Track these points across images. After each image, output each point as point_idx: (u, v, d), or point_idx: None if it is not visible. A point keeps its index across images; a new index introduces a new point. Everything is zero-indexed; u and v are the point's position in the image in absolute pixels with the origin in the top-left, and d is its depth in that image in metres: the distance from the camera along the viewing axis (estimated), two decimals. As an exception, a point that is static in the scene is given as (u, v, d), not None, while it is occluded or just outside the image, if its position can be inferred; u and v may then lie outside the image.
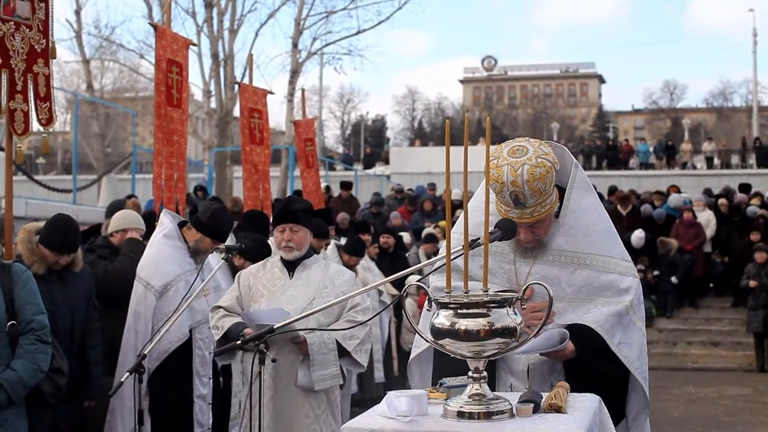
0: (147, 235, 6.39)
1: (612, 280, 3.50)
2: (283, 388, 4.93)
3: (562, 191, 3.53)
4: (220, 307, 5.14)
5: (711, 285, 17.34)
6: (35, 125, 5.63)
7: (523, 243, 3.51)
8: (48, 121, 5.63)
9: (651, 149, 38.21)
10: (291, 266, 5.14)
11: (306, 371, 4.90)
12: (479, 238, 3.16)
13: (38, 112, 5.56)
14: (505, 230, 3.33)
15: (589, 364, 3.37)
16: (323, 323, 4.93)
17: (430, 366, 3.64)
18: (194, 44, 8.93)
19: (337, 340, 4.98)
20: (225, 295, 5.30)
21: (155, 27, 7.86)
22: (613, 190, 18.31)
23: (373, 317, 4.48)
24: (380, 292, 9.60)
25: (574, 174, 3.56)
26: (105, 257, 6.36)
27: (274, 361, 4.19)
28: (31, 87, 5.53)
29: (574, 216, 3.52)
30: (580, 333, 3.38)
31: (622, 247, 3.62)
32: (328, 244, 9.22)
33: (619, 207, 16.82)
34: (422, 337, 2.87)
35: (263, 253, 6.18)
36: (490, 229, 3.18)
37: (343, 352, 5.01)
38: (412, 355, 3.71)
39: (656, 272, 16.15)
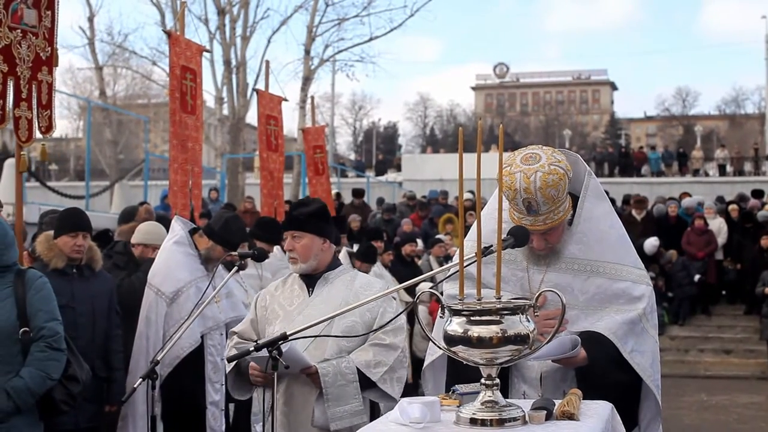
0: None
1: (625, 288, 3.50)
2: (297, 428, 4.13)
3: (575, 199, 3.54)
4: (235, 333, 4.43)
5: (723, 292, 17.25)
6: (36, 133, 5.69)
7: (536, 250, 3.52)
8: (47, 129, 5.67)
9: (661, 156, 38.05)
10: (311, 281, 4.28)
11: (323, 408, 4.05)
12: (492, 246, 3.16)
13: (39, 120, 5.60)
14: (518, 237, 3.33)
15: (601, 371, 3.38)
16: (345, 349, 4.15)
17: (444, 373, 3.64)
18: (207, 50, 8.92)
19: (359, 369, 4.09)
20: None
21: (169, 34, 7.90)
22: (627, 200, 18.29)
23: (379, 328, 4.01)
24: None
25: (587, 182, 3.57)
26: (120, 266, 6.37)
27: (286, 368, 3.85)
28: (35, 95, 5.57)
29: (587, 224, 3.53)
30: (592, 340, 3.38)
31: (635, 255, 3.62)
32: (339, 251, 9.23)
33: (633, 212, 16.78)
34: (435, 344, 2.87)
35: None
36: (503, 236, 3.19)
37: (368, 383, 4.12)
38: (426, 362, 3.72)
39: (667, 292, 16.08)
